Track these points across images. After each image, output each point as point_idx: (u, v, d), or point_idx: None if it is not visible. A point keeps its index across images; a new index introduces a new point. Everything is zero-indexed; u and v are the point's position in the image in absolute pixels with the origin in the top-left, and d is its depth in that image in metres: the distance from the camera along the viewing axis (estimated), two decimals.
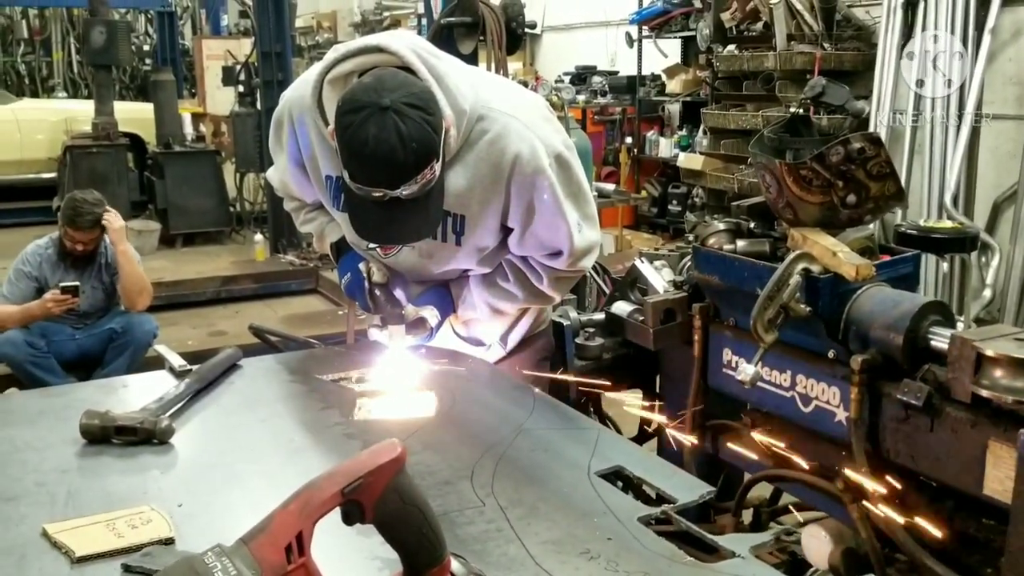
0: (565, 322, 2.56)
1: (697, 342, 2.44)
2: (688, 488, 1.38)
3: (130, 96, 12.29)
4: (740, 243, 2.33)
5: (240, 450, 1.58)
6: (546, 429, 1.57)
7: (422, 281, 2.15)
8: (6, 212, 9.23)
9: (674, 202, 8.94)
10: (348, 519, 0.89)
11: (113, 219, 4.52)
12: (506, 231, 2.06)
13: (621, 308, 2.66)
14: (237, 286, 7.00)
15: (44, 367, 4.36)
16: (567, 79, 9.83)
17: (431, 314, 2.07)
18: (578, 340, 2.63)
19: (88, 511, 1.31)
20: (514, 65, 10.80)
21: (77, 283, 4.43)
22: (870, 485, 1.95)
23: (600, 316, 2.71)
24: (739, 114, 7.52)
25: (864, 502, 1.99)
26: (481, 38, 4.50)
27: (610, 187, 6.48)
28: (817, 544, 2.27)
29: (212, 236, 8.48)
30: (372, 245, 2.07)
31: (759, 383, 2.31)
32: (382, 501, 0.89)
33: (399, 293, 2.13)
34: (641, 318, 2.55)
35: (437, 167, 1.76)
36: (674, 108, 9.18)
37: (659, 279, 2.70)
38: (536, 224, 2.02)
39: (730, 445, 2.52)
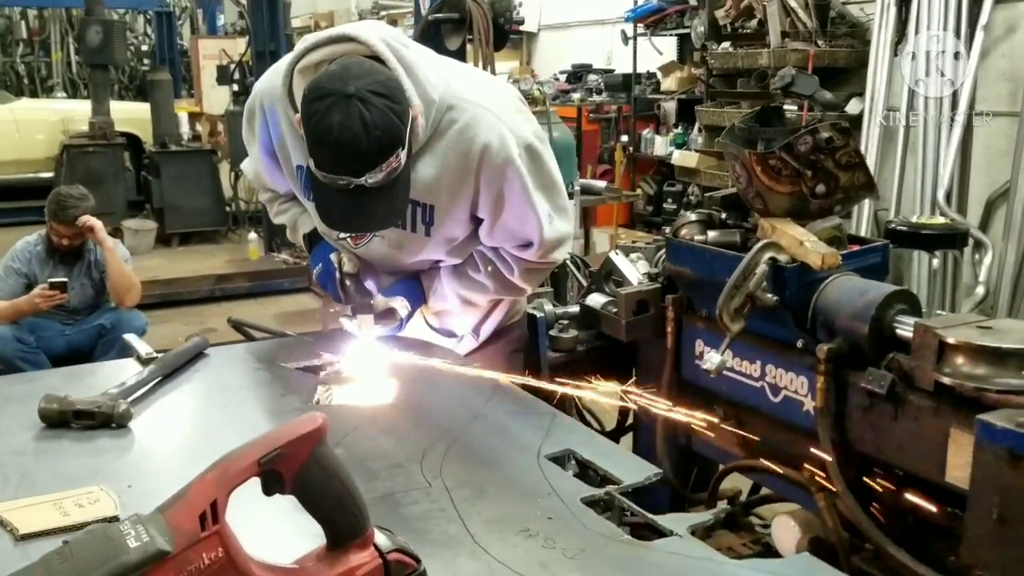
0: (539, 314, 2.56)
1: (670, 334, 2.44)
2: (636, 471, 1.38)
3: (129, 96, 12.32)
4: (711, 234, 2.34)
5: (197, 434, 1.59)
6: (502, 414, 1.58)
7: (393, 272, 2.15)
8: (5, 211, 9.26)
9: (669, 200, 8.93)
10: (268, 489, 0.90)
11: (91, 221, 4.53)
12: (476, 222, 2.06)
13: (595, 300, 2.67)
14: (231, 284, 7.03)
15: (33, 362, 4.37)
16: (563, 77, 9.84)
17: (401, 305, 2.08)
18: (552, 332, 2.64)
19: (40, 492, 1.32)
20: (510, 64, 10.83)
21: (65, 279, 4.45)
22: (835, 474, 1.96)
23: (575, 308, 2.72)
24: (734, 111, 7.52)
25: (829, 492, 2.00)
26: (469, 36, 4.51)
27: (601, 184, 6.48)
28: (786, 533, 2.28)
29: (208, 235, 8.51)
30: (343, 235, 2.07)
31: (729, 373, 2.33)
32: (301, 472, 0.90)
33: (370, 284, 2.14)
34: (614, 310, 2.56)
35: (403, 155, 1.77)
36: (669, 106, 9.18)
37: (633, 271, 2.70)
38: (506, 215, 2.03)
39: (703, 437, 2.53)
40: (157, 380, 1.76)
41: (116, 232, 7.63)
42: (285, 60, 1.98)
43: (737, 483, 2.64)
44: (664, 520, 1.22)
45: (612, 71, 9.93)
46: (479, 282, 2.13)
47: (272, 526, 0.99)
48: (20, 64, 13.54)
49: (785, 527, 2.29)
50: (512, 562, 1.11)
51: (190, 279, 6.99)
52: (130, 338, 2.03)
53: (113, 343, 4.59)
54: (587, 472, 1.41)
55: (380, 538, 0.95)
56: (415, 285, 2.13)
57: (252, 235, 7.87)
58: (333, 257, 2.12)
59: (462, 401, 1.69)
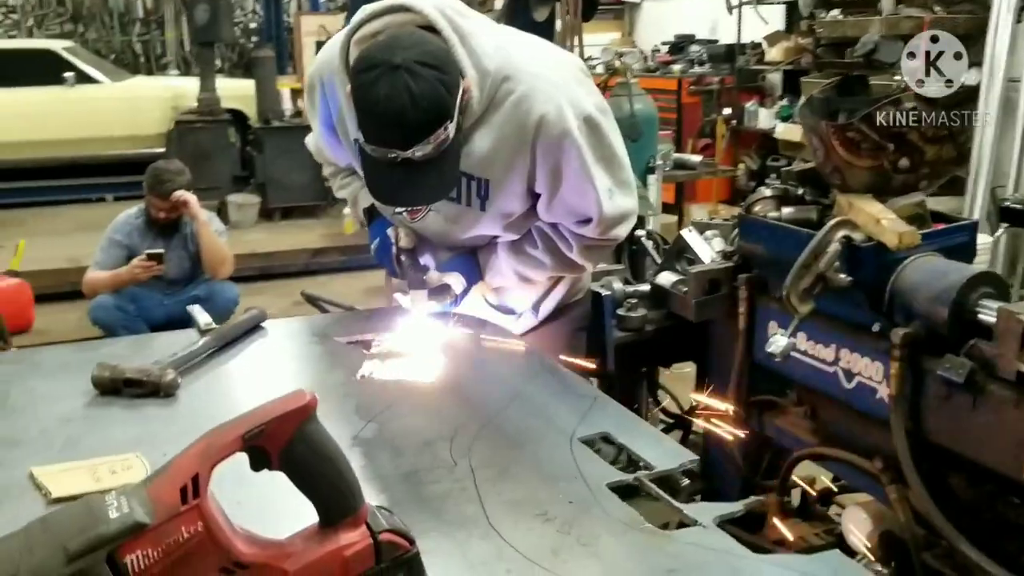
0: (604, 292, 2.51)
1: (742, 315, 2.35)
2: (671, 456, 1.33)
3: (239, 73, 12.66)
4: (786, 210, 2.23)
5: (241, 406, 1.61)
6: (545, 394, 1.54)
7: (450, 247, 2.13)
8: (120, 186, 9.66)
9: (773, 175, 8.63)
10: (255, 465, 0.89)
11: (184, 195, 4.67)
12: (533, 196, 2.01)
13: (665, 279, 2.59)
14: (326, 258, 7.15)
15: (133, 330, 4.55)
16: (664, 49, 9.62)
17: (455, 280, 2.05)
18: (620, 311, 2.58)
19: (81, 458, 1.36)
20: (611, 35, 10.65)
21: (162, 251, 4.61)
22: (908, 466, 1.85)
23: (646, 287, 2.65)
24: None
25: (902, 484, 1.89)
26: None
27: (696, 158, 6.30)
28: (856, 526, 2.17)
29: (308, 209, 8.68)
30: (399, 209, 2.06)
31: (802, 357, 2.22)
32: (287, 449, 0.88)
33: (427, 259, 2.12)
34: (684, 289, 2.48)
35: (451, 128, 1.73)
36: (774, 77, 8.85)
37: (706, 249, 2.61)
38: (564, 189, 1.97)
39: (776, 422, 2.43)
40: (210, 351, 1.79)
41: (222, 206, 7.88)
42: (344, 32, 1.97)
43: (814, 471, 2.54)
44: (691, 509, 1.16)
45: (715, 41, 9.65)
46: (537, 259, 2.08)
47: (285, 499, 0.97)
48: (137, 43, 14.09)
49: (856, 519, 2.19)
50: (524, 546, 1.08)
51: (286, 253, 7.14)
52: (193, 309, 2.08)
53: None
54: (620, 456, 1.36)
55: (375, 517, 0.93)
56: (471, 261, 2.10)
57: (347, 210, 7.99)
58: (390, 232, 2.11)
59: (505, 380, 1.66)
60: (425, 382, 1.68)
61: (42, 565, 0.79)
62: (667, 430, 2.97)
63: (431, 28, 1.81)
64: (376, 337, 1.89)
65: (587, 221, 2.03)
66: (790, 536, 2.43)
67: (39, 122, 9.43)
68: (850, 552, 2.12)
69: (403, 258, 2.07)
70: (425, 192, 1.82)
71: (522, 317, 2.22)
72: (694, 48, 9.35)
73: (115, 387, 1.59)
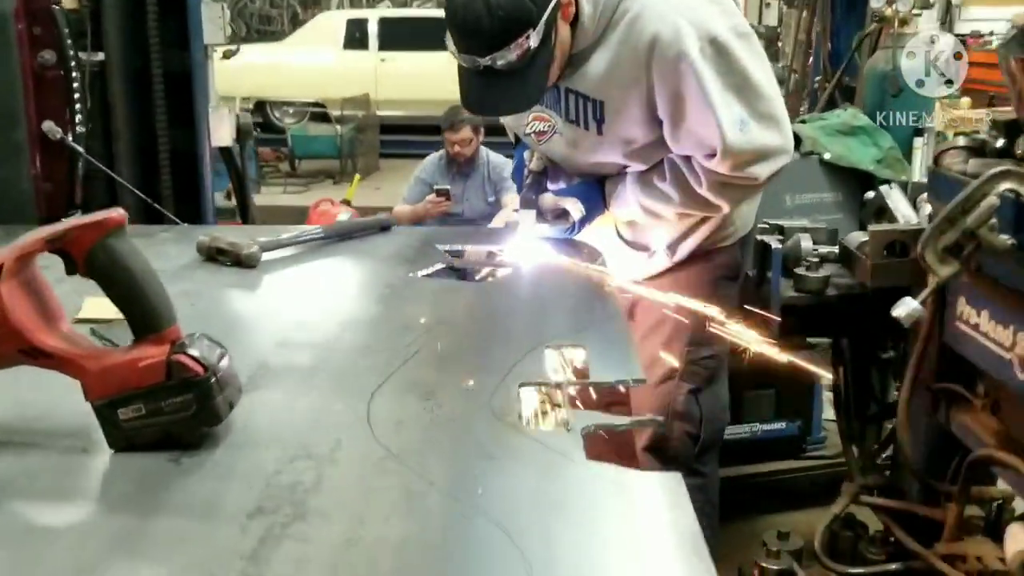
0: (774, 244, 2.28)
1: (929, 286, 2.02)
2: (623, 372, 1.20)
3: None
4: (973, 162, 1.87)
5: (302, 286, 1.75)
6: (565, 330, 1.44)
7: (579, 175, 2.08)
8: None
9: None
10: (67, 268, 0.98)
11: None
12: (658, 124, 1.90)
13: (854, 239, 2.30)
14: None
15: None
16: None
17: (574, 206, 2.00)
18: (799, 269, 2.33)
19: None
20: None
21: (448, 187, 4.97)
22: None
23: (836, 248, 2.37)
24: None
25: None
26: None
27: None
28: (1014, 544, 1.80)
29: None
30: (528, 131, 2.06)
31: (985, 341, 1.86)
32: (89, 256, 0.96)
33: (560, 186, 2.10)
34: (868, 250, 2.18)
35: (535, 37, 1.71)
36: None
37: (907, 208, 2.27)
38: (689, 117, 1.83)
39: (959, 418, 2.06)
40: (316, 239, 1.96)
41: None
42: None
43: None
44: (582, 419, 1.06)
45: None
46: (663, 192, 1.95)
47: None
48: None
49: (1015, 537, 1.81)
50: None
51: None
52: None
53: None
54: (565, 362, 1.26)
55: (192, 343, 0.98)
56: (594, 189, 2.02)
57: None
58: (526, 154, 2.12)
59: (550, 322, 1.57)
60: (468, 304, 1.68)
61: None
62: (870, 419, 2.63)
63: None
64: (469, 249, 1.92)
65: (715, 154, 1.87)
66: (966, 553, 2.06)
67: (434, 82, 10.50)
68: None
69: (529, 180, 2.06)
70: (507, 102, 1.82)
71: (655, 256, 2.10)
72: None
73: (211, 255, 1.81)
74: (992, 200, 1.59)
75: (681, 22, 1.77)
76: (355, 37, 11.14)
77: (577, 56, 1.86)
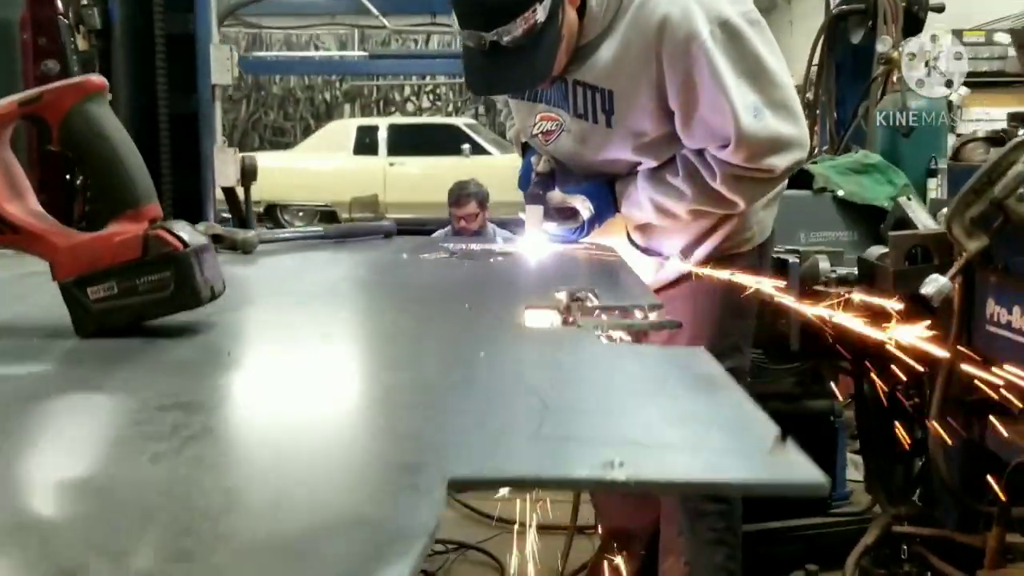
0: (791, 259, 2.21)
1: (956, 290, 1.93)
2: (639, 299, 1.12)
3: None
4: (994, 151, 1.81)
5: (295, 273, 1.68)
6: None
7: (588, 176, 2.03)
8: None
9: None
10: (41, 139, 0.92)
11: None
12: (668, 115, 1.86)
13: (872, 252, 2.22)
14: None
15: None
16: None
17: (582, 204, 1.94)
18: (818, 286, 2.25)
19: None
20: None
21: None
22: None
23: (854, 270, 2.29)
24: None
25: None
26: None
27: None
28: None
29: None
30: (534, 132, 2.02)
31: (1019, 338, 1.76)
32: (65, 123, 0.89)
33: (568, 189, 2.05)
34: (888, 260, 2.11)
35: (541, 12, 1.69)
36: None
37: (927, 218, 2.20)
38: (701, 105, 1.79)
39: (1000, 430, 1.93)
40: (321, 239, 1.90)
41: None
42: None
43: None
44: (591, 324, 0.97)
45: None
46: (676, 187, 1.89)
47: None
48: None
49: None
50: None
51: None
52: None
53: None
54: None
55: (173, 224, 0.91)
56: (603, 188, 1.96)
57: None
58: (533, 159, 2.07)
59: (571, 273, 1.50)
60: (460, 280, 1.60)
61: None
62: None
63: None
64: (457, 249, 1.87)
65: (729, 144, 1.82)
66: None
67: (440, 184, 10.70)
68: None
69: (535, 180, 2.02)
70: (512, 80, 1.79)
71: (669, 262, 2.02)
72: None
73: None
74: (1019, 168, 1.53)
75: (691, 4, 1.75)
76: (365, 143, 11.42)
77: (586, 47, 1.84)
